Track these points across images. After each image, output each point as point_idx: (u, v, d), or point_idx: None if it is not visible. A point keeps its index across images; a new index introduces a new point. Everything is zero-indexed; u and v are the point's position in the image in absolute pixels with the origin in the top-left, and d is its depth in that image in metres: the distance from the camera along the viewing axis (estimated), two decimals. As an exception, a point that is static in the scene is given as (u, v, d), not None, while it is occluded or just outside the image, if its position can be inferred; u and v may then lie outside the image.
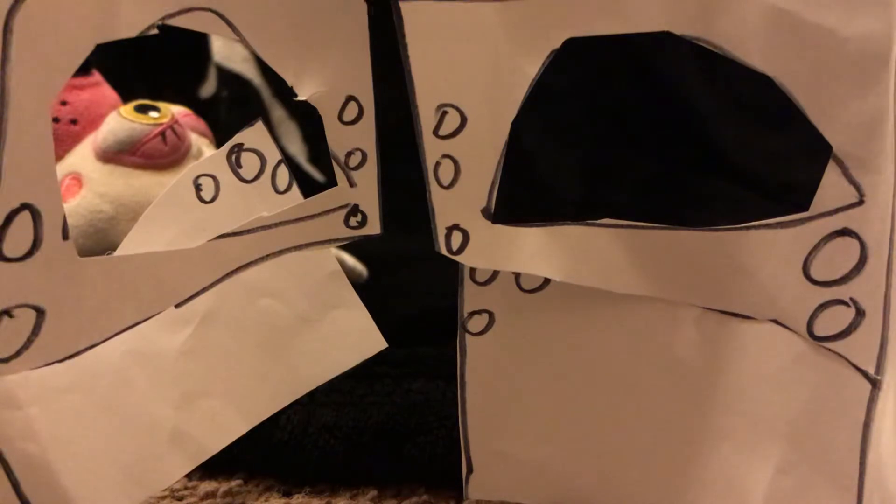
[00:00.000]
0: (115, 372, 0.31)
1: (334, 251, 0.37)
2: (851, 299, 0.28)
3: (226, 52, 0.60)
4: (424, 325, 0.40)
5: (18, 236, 0.27)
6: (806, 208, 0.28)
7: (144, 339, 0.32)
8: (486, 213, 0.30)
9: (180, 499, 0.38)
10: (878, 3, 0.26)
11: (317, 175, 0.54)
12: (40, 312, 0.28)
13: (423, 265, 0.42)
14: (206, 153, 0.49)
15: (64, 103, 0.50)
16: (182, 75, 0.63)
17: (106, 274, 0.30)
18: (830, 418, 0.29)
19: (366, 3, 0.31)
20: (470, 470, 0.34)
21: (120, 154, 0.48)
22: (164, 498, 0.38)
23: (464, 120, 0.29)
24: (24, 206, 0.27)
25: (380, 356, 0.37)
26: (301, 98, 0.32)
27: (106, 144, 0.48)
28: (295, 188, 0.37)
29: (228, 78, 0.60)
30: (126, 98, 0.52)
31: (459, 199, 0.30)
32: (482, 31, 0.28)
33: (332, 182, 0.34)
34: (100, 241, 0.46)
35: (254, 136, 0.36)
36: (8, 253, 0.27)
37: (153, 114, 0.48)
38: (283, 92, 0.40)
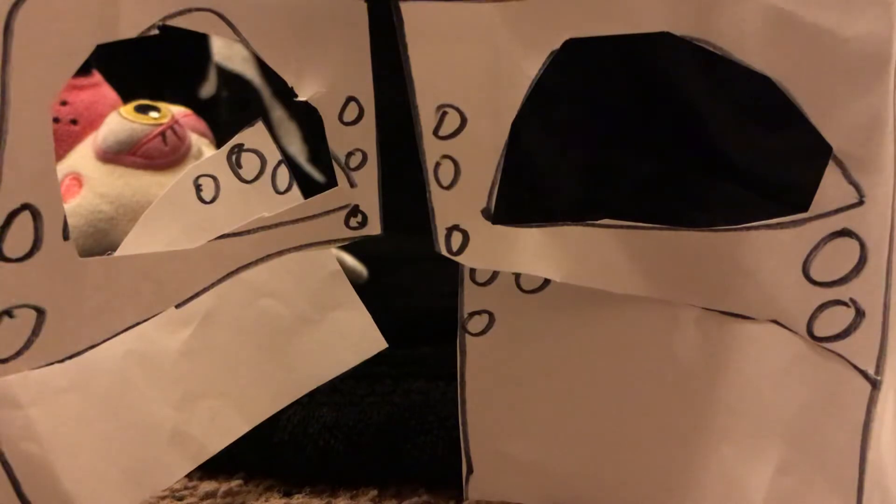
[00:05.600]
0: (116, 372, 0.31)
1: (334, 251, 0.37)
2: (851, 300, 0.28)
3: (226, 52, 0.60)
4: (424, 325, 0.40)
5: (19, 236, 0.27)
6: (806, 208, 0.28)
7: (144, 339, 0.32)
8: (486, 213, 0.30)
9: (180, 499, 0.38)
10: (878, 4, 0.26)
11: (317, 175, 0.54)
12: (40, 312, 0.28)
13: (423, 265, 0.42)
14: (206, 153, 0.49)
15: (64, 103, 0.50)
16: (182, 75, 0.63)
17: (106, 274, 0.30)
18: (830, 418, 0.29)
19: (366, 4, 0.31)
20: (470, 470, 0.35)
21: (120, 154, 0.48)
22: (164, 498, 0.38)
23: (464, 120, 0.29)
24: (25, 207, 0.27)
25: (380, 356, 0.37)
26: (301, 98, 0.32)
27: (106, 144, 0.48)
28: (295, 188, 0.37)
29: (228, 78, 0.60)
30: (126, 98, 0.52)
31: (459, 200, 0.30)
32: (482, 31, 0.28)
33: (332, 182, 0.34)
34: (100, 241, 0.46)
35: (254, 136, 0.36)
36: (8, 253, 0.27)
37: (153, 114, 0.48)
38: (283, 92, 0.40)
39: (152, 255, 0.31)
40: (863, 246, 0.28)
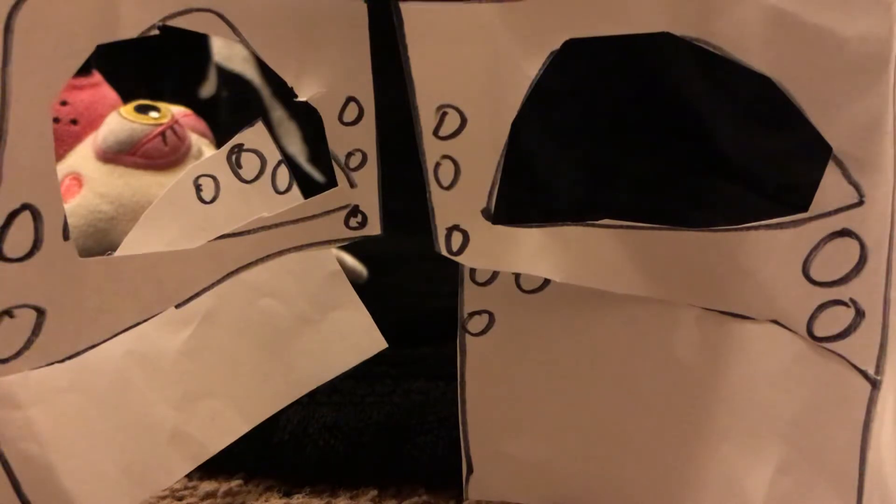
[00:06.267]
0: (116, 372, 0.31)
1: (334, 251, 0.37)
2: (851, 300, 0.28)
3: (226, 52, 0.60)
4: (424, 325, 0.41)
5: (19, 236, 0.27)
6: (806, 209, 0.28)
7: (145, 339, 0.32)
8: (486, 213, 0.30)
9: (180, 499, 0.38)
10: (878, 5, 0.26)
11: (317, 175, 0.54)
12: (41, 312, 0.28)
13: (423, 265, 0.42)
14: (206, 153, 0.49)
15: (64, 103, 0.50)
16: (182, 75, 0.63)
17: (106, 274, 0.30)
18: (830, 418, 0.29)
19: (365, 4, 0.31)
20: (470, 470, 0.34)
21: (120, 154, 0.48)
22: (164, 498, 0.38)
23: (464, 121, 0.29)
24: (25, 207, 0.27)
25: (380, 356, 0.37)
26: (301, 98, 0.32)
27: (106, 144, 0.48)
28: (295, 188, 0.37)
29: (229, 78, 0.60)
30: (126, 98, 0.52)
31: (459, 200, 0.30)
32: (482, 32, 0.28)
33: (332, 183, 0.34)
34: (100, 241, 0.46)
35: (254, 136, 0.36)
36: (8, 253, 0.27)
37: (153, 114, 0.48)
38: (283, 92, 0.40)
39: (152, 255, 0.31)
40: (863, 246, 0.28)
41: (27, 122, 0.27)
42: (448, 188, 0.30)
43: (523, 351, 0.33)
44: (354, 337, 0.37)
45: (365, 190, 0.34)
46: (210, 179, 0.36)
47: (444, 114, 0.29)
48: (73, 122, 0.50)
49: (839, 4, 0.26)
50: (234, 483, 0.39)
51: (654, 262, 0.30)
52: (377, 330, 0.37)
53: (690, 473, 0.32)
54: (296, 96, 0.32)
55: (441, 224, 0.30)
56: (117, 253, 0.33)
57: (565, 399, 0.33)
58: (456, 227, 0.30)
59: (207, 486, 0.39)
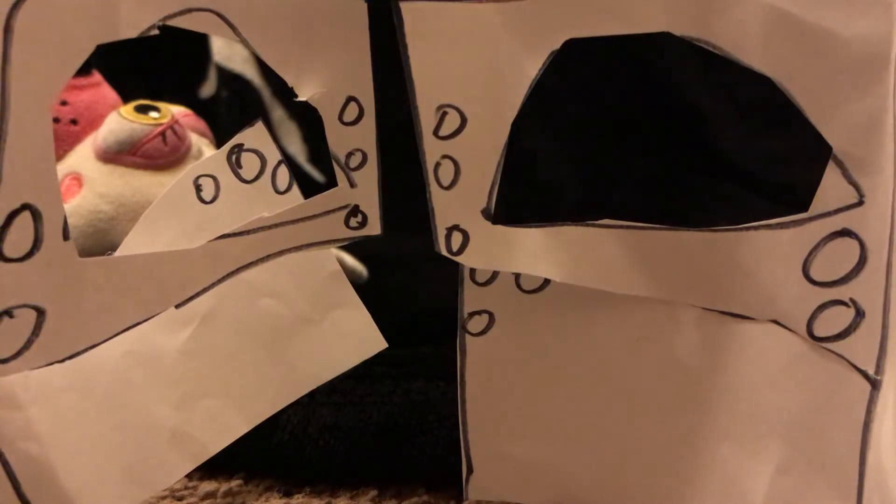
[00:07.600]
0: (116, 372, 0.31)
1: (334, 251, 0.37)
2: (851, 300, 0.28)
3: (226, 52, 0.60)
4: (424, 325, 0.40)
5: (19, 236, 0.27)
6: (806, 209, 0.28)
7: (145, 339, 0.32)
8: (486, 213, 0.30)
9: (180, 499, 0.38)
10: (879, 4, 0.26)
11: (317, 175, 0.54)
12: (41, 312, 0.28)
13: (423, 265, 0.42)
14: (206, 153, 0.49)
15: (64, 103, 0.50)
16: (182, 75, 0.63)
17: (106, 274, 0.30)
18: (830, 418, 0.29)
19: (365, 4, 0.32)
20: (470, 470, 0.34)
21: (120, 154, 0.48)
22: (164, 498, 0.38)
23: (464, 120, 0.29)
24: (25, 207, 0.27)
25: (380, 356, 0.37)
26: (301, 98, 0.32)
27: (106, 144, 0.48)
28: (295, 188, 0.37)
29: (229, 78, 0.60)
30: (126, 98, 0.52)
31: (459, 200, 0.30)
32: (482, 32, 0.28)
33: (332, 182, 0.34)
34: (100, 241, 0.46)
35: (254, 136, 0.36)
36: (8, 253, 0.27)
37: (153, 114, 0.48)
38: (283, 92, 0.40)
39: (152, 255, 0.31)
40: (863, 246, 0.28)
41: (27, 122, 0.27)
42: (448, 188, 0.30)
43: (523, 351, 0.33)
44: (354, 337, 0.37)
45: (365, 190, 0.34)
46: (210, 179, 0.36)
47: (444, 114, 0.29)
48: (73, 122, 0.50)
49: (839, 4, 0.26)
50: (234, 483, 0.39)
51: (654, 262, 0.30)
52: (377, 330, 0.37)
53: (690, 473, 0.32)
54: (296, 96, 0.32)
55: (441, 224, 0.30)
56: (117, 253, 0.33)
57: (565, 399, 0.33)
58: (456, 227, 0.30)
59: (207, 486, 0.39)
